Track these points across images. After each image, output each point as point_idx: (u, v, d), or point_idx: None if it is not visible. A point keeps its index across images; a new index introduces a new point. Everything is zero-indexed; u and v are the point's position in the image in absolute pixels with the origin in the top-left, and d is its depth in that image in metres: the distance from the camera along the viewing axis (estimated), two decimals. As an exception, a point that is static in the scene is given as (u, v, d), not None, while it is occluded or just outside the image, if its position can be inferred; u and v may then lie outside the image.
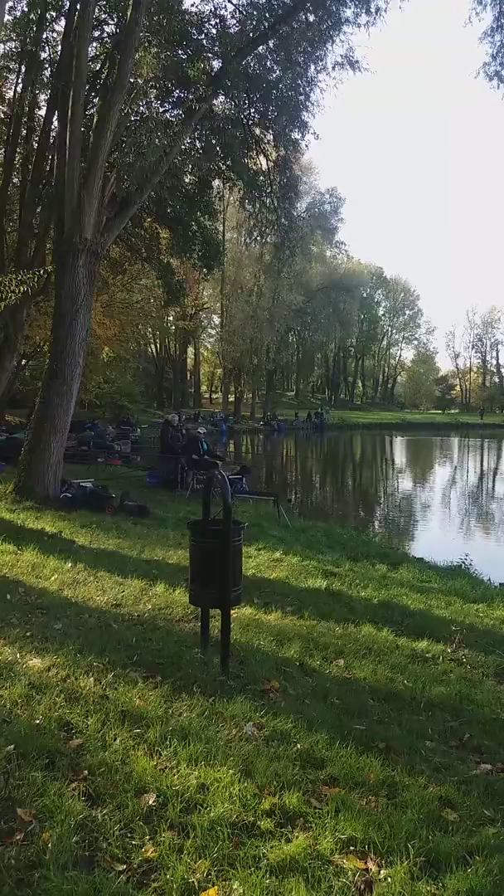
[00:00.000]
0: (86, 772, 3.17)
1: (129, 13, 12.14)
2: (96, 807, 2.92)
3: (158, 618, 5.72)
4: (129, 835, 2.75)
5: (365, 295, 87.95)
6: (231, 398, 65.04)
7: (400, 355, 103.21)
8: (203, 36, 14.92)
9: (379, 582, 7.99)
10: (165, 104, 15.75)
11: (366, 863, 2.69)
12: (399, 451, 47.67)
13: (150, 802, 2.97)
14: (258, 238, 19.38)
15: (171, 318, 51.54)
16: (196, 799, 3.02)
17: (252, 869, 2.59)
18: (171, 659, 4.64)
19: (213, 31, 14.85)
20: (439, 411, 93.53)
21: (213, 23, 14.82)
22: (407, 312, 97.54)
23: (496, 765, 3.70)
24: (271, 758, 3.40)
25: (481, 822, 3.08)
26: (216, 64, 14.75)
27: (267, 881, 2.53)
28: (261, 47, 14.38)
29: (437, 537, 15.02)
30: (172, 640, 5.08)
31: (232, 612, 5.13)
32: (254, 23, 14.11)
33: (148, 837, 2.74)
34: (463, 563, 10.05)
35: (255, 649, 5.09)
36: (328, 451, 44.37)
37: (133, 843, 2.71)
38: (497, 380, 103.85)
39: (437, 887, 2.59)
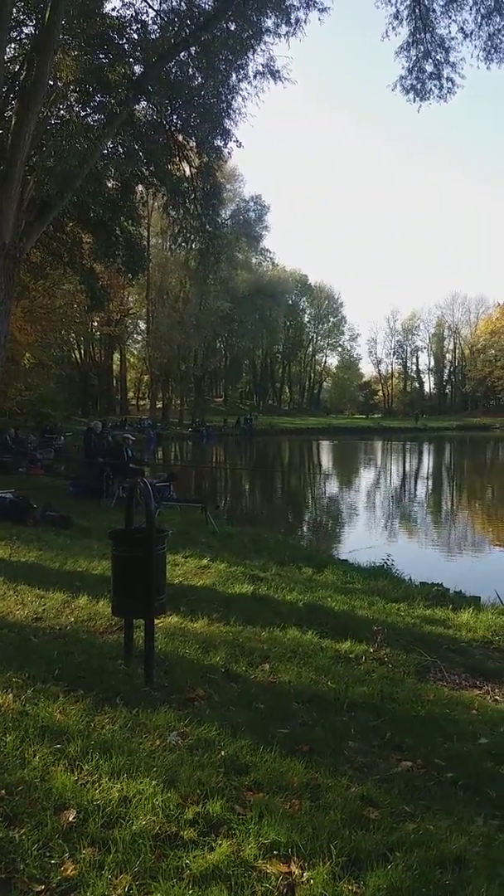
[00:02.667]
0: (3, 791, 3.07)
1: (47, 14, 11.93)
2: (13, 827, 2.83)
3: (81, 630, 5.61)
4: (47, 854, 2.69)
5: (290, 302, 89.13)
6: (159, 404, 64.64)
7: (325, 361, 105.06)
8: (124, 40, 14.82)
9: (304, 585, 8.08)
10: (87, 108, 15.55)
11: (289, 866, 2.71)
12: (326, 455, 48.40)
13: (71, 819, 2.91)
14: (183, 244, 19.33)
15: (95, 324, 50.81)
16: (118, 812, 2.97)
17: (175, 880, 2.57)
18: (93, 672, 4.56)
19: (135, 35, 14.77)
20: (363, 416, 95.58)
21: (134, 28, 14.74)
22: (331, 319, 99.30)
23: (416, 761, 3.80)
24: (195, 766, 3.38)
25: (402, 819, 3.15)
26: (138, 69, 14.67)
27: (190, 892, 2.52)
28: (182, 54, 14.38)
29: (362, 539, 15.30)
30: (95, 653, 4.99)
31: (157, 621, 5.09)
32: (175, 29, 14.10)
33: (67, 855, 2.68)
34: (385, 563, 10.27)
35: (181, 658, 5.05)
36: (257, 456, 44.61)
37: (52, 861, 2.64)
38: (417, 385, 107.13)
39: (359, 886, 2.63)
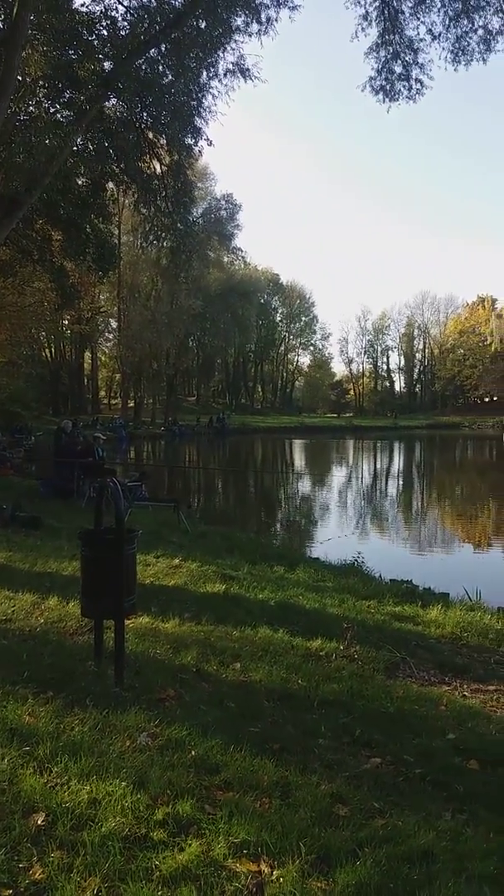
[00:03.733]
0: (-30, 796, 3.04)
1: (15, 9, 11.79)
2: (-20, 832, 2.80)
3: (51, 631, 5.57)
4: (15, 858, 2.66)
5: (262, 301, 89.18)
6: (131, 403, 64.27)
7: (297, 360, 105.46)
8: (94, 36, 14.70)
9: (276, 583, 8.11)
10: (56, 104, 15.39)
11: (258, 865, 2.71)
12: (299, 454, 48.56)
13: (39, 822, 2.89)
14: (154, 242, 19.24)
15: (66, 322, 50.35)
16: (87, 815, 2.96)
17: (144, 882, 2.56)
18: (63, 673, 4.53)
19: (105, 32, 14.66)
20: (335, 415, 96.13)
21: (103, 24, 14.63)
22: (303, 319, 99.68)
23: (385, 758, 3.83)
24: (165, 767, 3.37)
25: (371, 815, 3.18)
26: (108, 65, 14.57)
27: (159, 893, 2.51)
28: (153, 51, 14.32)
29: (334, 537, 15.39)
30: (65, 654, 4.95)
31: (127, 621, 5.08)
32: (145, 26, 14.03)
33: (36, 859, 2.66)
34: (356, 561, 10.35)
35: (152, 658, 5.04)
36: (230, 455, 44.59)
37: (20, 865, 2.62)
38: (388, 384, 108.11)
39: (328, 883, 2.65)
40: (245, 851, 2.78)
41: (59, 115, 14.95)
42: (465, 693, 5.15)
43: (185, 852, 2.74)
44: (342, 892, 2.58)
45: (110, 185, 17.57)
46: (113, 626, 4.61)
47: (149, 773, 3.29)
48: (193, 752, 3.54)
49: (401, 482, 32.28)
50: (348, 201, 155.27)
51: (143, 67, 14.55)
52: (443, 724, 4.36)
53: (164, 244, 19.29)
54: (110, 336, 66.01)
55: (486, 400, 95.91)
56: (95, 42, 14.66)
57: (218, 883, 2.58)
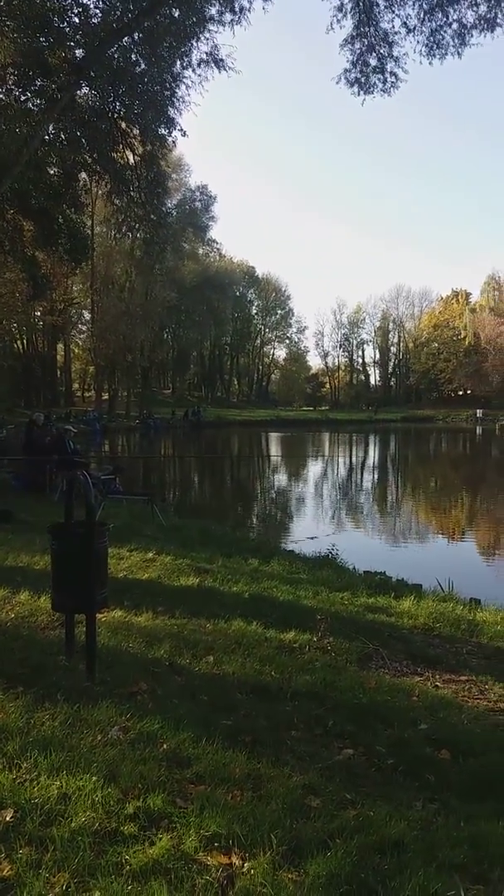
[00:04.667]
0: None
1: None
2: None
3: (22, 626, 5.50)
4: (-17, 856, 2.62)
5: (238, 293, 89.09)
6: (105, 396, 63.82)
7: (273, 354, 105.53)
8: (65, 24, 14.47)
9: (250, 576, 8.10)
10: (27, 92, 15.15)
11: (229, 857, 2.70)
12: (275, 447, 48.63)
13: (8, 818, 2.84)
14: (128, 233, 19.08)
15: (38, 313, 49.79)
16: (56, 810, 2.92)
17: (114, 876, 2.53)
18: (34, 668, 4.47)
19: (76, 19, 14.45)
20: (311, 408, 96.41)
21: (75, 11, 14.42)
22: (279, 312, 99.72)
23: (358, 749, 3.84)
24: (137, 760, 3.35)
25: (343, 806, 3.18)
26: (79, 53, 14.37)
27: (129, 887, 2.49)
28: (125, 39, 14.15)
29: (309, 529, 15.43)
30: (36, 649, 4.89)
31: (100, 615, 5.03)
32: (117, 13, 13.86)
33: (3, 855, 2.62)
34: (330, 553, 10.39)
35: (124, 652, 5.00)
36: (206, 448, 44.51)
37: (-13, 863, 2.58)
38: (363, 377, 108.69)
39: (299, 874, 2.64)
40: (216, 844, 2.77)
41: (29, 104, 14.73)
42: (438, 683, 5.19)
43: (156, 846, 2.71)
44: (313, 883, 2.58)
45: (83, 175, 17.36)
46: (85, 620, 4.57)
47: (120, 767, 3.26)
48: (165, 746, 3.52)
49: (376, 475, 32.49)
50: (323, 194, 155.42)
51: (116, 56, 14.38)
52: (415, 715, 4.39)
53: (138, 235, 19.17)
54: (84, 328, 65.41)
55: (460, 394, 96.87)
56: (67, 29, 14.44)
57: (188, 876, 2.56)
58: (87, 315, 62.21)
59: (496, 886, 2.66)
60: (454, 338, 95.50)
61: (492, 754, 3.94)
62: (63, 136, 15.55)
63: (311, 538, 13.27)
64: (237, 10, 13.43)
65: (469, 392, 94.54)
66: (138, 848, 2.70)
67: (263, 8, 13.46)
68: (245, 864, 2.66)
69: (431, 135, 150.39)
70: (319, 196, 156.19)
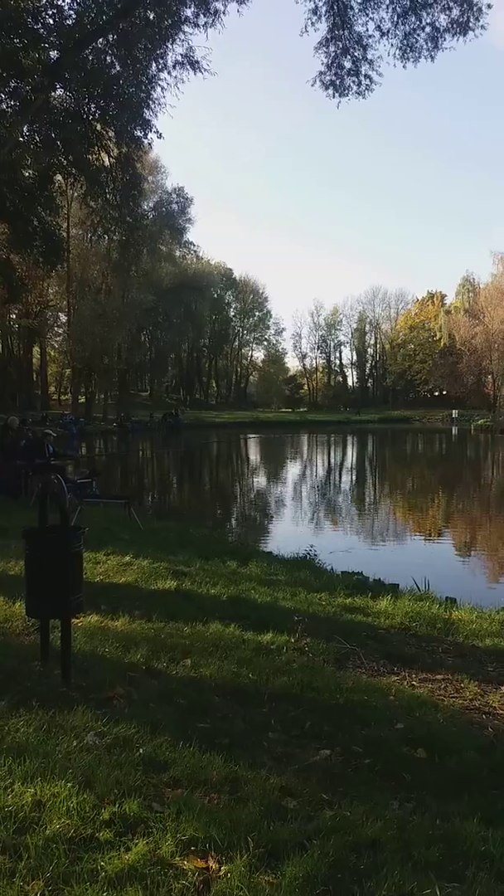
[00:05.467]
0: None
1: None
2: None
3: (-3, 632, 5.44)
4: (-45, 865, 2.58)
5: (216, 295, 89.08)
6: (82, 399, 63.43)
7: (251, 355, 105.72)
8: (40, 25, 14.40)
9: (228, 578, 8.09)
10: (0, 94, 15.04)
11: (206, 861, 2.69)
12: (254, 449, 48.65)
13: (-19, 827, 2.81)
14: (103, 235, 19.01)
15: (13, 316, 49.35)
16: (31, 817, 2.88)
17: (89, 883, 2.51)
18: (8, 674, 4.42)
19: (51, 20, 14.38)
20: (289, 410, 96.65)
21: (50, 12, 14.36)
22: (256, 314, 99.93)
23: (335, 749, 3.85)
24: (113, 766, 3.32)
25: (320, 807, 3.18)
26: (54, 55, 14.31)
27: (105, 894, 2.47)
28: (100, 41, 14.12)
29: (288, 531, 15.47)
30: (11, 655, 4.84)
31: (75, 620, 5.00)
32: (92, 15, 13.83)
33: (-23, 865, 2.58)
34: (308, 554, 10.42)
35: (100, 657, 4.96)
36: (184, 451, 44.40)
37: (-40, 873, 2.54)
38: (341, 379, 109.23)
39: (276, 876, 2.64)
40: (193, 848, 2.76)
41: (3, 105, 14.63)
42: (414, 683, 5.21)
43: (132, 852, 2.69)
44: (290, 884, 2.58)
45: (58, 177, 17.27)
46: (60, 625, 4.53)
47: (96, 773, 3.24)
48: (142, 750, 3.50)
49: (354, 476, 32.64)
50: (300, 195, 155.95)
51: (91, 58, 14.35)
52: (391, 715, 4.41)
53: (114, 237, 19.08)
54: (60, 330, 64.96)
55: (436, 394, 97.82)
56: (41, 30, 14.38)
57: (164, 881, 2.55)
58: (63, 318, 61.85)
59: (471, 884, 2.68)
60: (430, 339, 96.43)
61: (467, 752, 3.97)
62: (37, 138, 15.48)
63: (290, 539, 13.28)
64: (212, 12, 13.49)
65: (444, 393, 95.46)
66: (114, 854, 2.68)
67: (238, 11, 13.51)
68: (222, 868, 2.65)
69: (410, 141, 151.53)
70: (297, 195, 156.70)
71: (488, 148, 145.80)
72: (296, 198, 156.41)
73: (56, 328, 65.06)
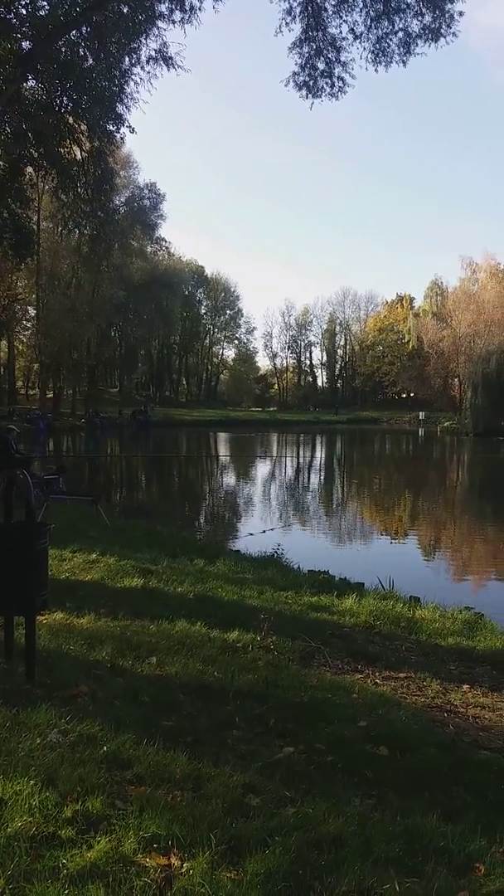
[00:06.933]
0: None
1: None
2: None
3: (-41, 629, 5.36)
4: None
5: (187, 292, 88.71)
6: (50, 394, 62.68)
7: (222, 354, 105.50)
8: (12, 15, 14.21)
9: (196, 576, 8.09)
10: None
11: (168, 858, 2.70)
12: (224, 447, 48.60)
13: None
14: (74, 229, 18.83)
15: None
16: (-8, 816, 2.86)
17: (50, 881, 2.50)
18: (-29, 672, 4.37)
19: (23, 10, 14.20)
20: (259, 409, 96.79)
21: (23, 2, 14.17)
22: (228, 312, 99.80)
23: (298, 747, 3.88)
24: (76, 763, 3.31)
25: (282, 804, 3.21)
26: (26, 45, 14.13)
27: (66, 892, 2.46)
28: (74, 33, 13.98)
29: (256, 529, 15.49)
30: (-26, 652, 4.78)
31: (40, 617, 4.95)
32: (66, 7, 13.67)
33: None
34: (275, 552, 10.46)
35: (65, 654, 4.93)
36: (154, 448, 44.18)
37: None
38: (311, 379, 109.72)
39: (238, 873, 2.65)
40: (155, 846, 2.76)
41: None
42: (377, 680, 5.28)
43: (94, 849, 2.69)
44: (251, 880, 2.60)
45: (29, 169, 17.05)
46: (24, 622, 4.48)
47: (59, 771, 3.22)
48: (105, 748, 3.49)
49: (322, 476, 32.82)
50: (273, 194, 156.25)
51: (64, 50, 14.20)
52: (354, 712, 4.46)
53: (85, 232, 18.91)
54: (28, 324, 64.01)
55: (403, 396, 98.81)
56: (14, 20, 14.18)
57: (126, 879, 2.55)
58: (31, 311, 60.99)
59: (430, 879, 2.73)
60: (398, 341, 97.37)
61: (428, 749, 4.04)
62: (8, 129, 15.24)
63: (258, 538, 13.31)
64: (187, 8, 13.40)
65: (412, 395, 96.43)
66: (76, 852, 2.67)
67: (214, 8, 13.47)
68: (184, 865, 2.66)
69: (386, 139, 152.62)
70: (271, 195, 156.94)
71: (457, 151, 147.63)
72: (265, 200, 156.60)
73: (24, 322, 64.13)
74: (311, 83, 13.72)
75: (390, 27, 12.83)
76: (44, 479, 12.32)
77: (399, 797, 3.45)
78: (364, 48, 13.10)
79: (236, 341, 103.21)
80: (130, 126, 15.09)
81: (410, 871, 2.79)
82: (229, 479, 30.12)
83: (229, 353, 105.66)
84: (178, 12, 13.48)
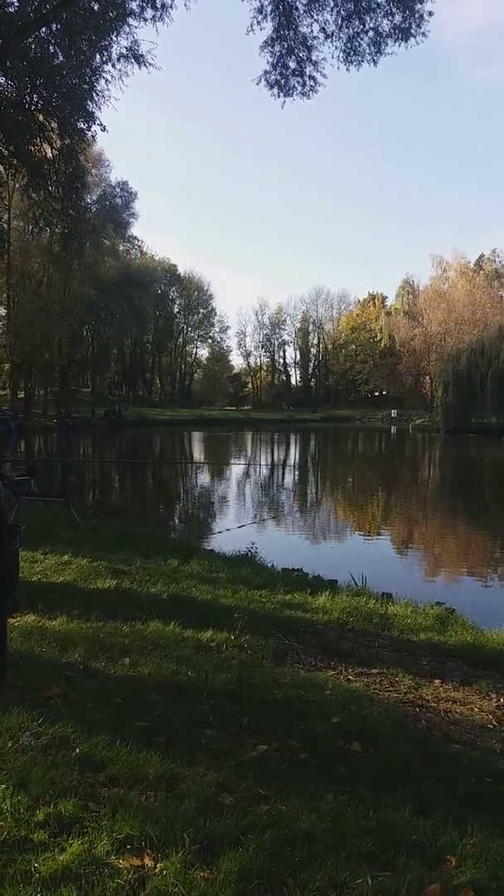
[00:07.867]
0: None
1: None
2: None
3: None
4: None
5: (160, 291, 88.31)
6: (21, 394, 62.02)
7: (195, 353, 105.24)
8: (-20, 11, 14.01)
9: (169, 577, 8.07)
10: None
11: (142, 859, 2.69)
12: (197, 447, 48.50)
13: None
14: (45, 228, 18.64)
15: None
16: (-38, 822, 2.84)
17: (22, 885, 2.48)
18: None
19: (-9, 7, 14.01)
20: (234, 408, 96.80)
21: (-10, -1, 13.98)
22: (201, 311, 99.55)
23: (272, 744, 3.89)
24: (48, 766, 3.29)
25: (256, 802, 3.22)
26: (-6, 42, 13.94)
27: (38, 895, 2.45)
28: (43, 30, 13.83)
29: (230, 527, 15.49)
30: None
31: (11, 619, 4.91)
32: (35, 3, 13.53)
33: None
34: (250, 551, 10.48)
35: (37, 656, 4.89)
36: (127, 449, 43.93)
37: None
38: (284, 378, 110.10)
39: (211, 871, 2.66)
40: (128, 847, 2.76)
41: None
42: (350, 677, 5.32)
43: (67, 852, 2.68)
44: (225, 879, 2.61)
45: (-1, 167, 16.85)
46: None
47: (31, 774, 3.20)
48: (78, 750, 3.47)
49: (296, 474, 32.91)
50: (245, 191, 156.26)
51: (34, 46, 14.03)
52: (328, 709, 4.49)
53: (56, 230, 18.75)
54: (-1, 324, 63.29)
55: (376, 394, 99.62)
56: (-18, 17, 13.98)
57: (99, 881, 2.54)
58: (2, 311, 60.26)
59: (402, 872, 2.76)
60: (371, 340, 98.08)
61: (401, 744, 4.08)
62: (-24, 126, 15.04)
63: (232, 537, 13.31)
64: (159, 6, 13.33)
65: (384, 393, 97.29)
66: (48, 855, 2.66)
67: (186, 5, 13.41)
68: (157, 865, 2.66)
69: (356, 142, 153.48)
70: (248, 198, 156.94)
71: (430, 150, 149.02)
72: (241, 194, 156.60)
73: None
74: (282, 82, 13.73)
75: (361, 27, 12.89)
76: (15, 481, 12.20)
77: (372, 792, 3.48)
78: (335, 47, 13.14)
79: (210, 340, 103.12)
80: (101, 124, 14.99)
81: (383, 864, 2.82)
82: (203, 477, 30.06)
83: (203, 352, 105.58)
84: (149, 10, 13.40)
